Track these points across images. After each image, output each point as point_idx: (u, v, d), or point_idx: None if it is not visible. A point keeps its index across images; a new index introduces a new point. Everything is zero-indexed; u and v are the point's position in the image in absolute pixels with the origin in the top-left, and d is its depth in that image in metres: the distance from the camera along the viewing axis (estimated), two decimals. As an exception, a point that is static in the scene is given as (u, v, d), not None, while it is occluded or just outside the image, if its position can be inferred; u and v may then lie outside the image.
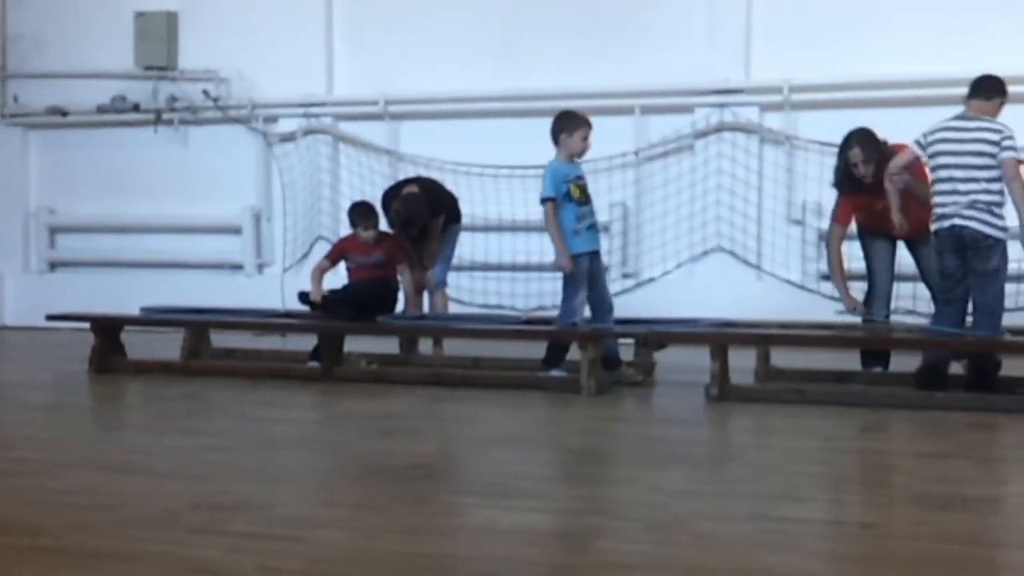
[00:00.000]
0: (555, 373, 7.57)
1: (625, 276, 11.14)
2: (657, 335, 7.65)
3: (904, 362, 7.25)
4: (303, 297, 8.58)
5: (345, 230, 9.51)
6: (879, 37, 10.62)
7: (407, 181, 9.35)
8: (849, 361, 7.92)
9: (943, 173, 6.90)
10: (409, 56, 11.94)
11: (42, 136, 13.40)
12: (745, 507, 4.19)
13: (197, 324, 8.96)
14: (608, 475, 5.14)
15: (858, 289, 8.00)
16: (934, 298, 7.45)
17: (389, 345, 8.96)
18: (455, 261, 9.41)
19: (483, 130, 11.55)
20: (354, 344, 8.55)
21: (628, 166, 11.34)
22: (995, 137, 6.80)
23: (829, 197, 8.78)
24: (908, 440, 6.04)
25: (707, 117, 11.12)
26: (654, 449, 5.62)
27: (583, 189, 7.64)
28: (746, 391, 7.16)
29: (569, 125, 7.57)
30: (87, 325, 8.63)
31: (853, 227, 7.86)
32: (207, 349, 9.06)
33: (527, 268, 11.32)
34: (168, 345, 9.07)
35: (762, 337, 7.84)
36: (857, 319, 7.84)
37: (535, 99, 11.33)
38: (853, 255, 8.05)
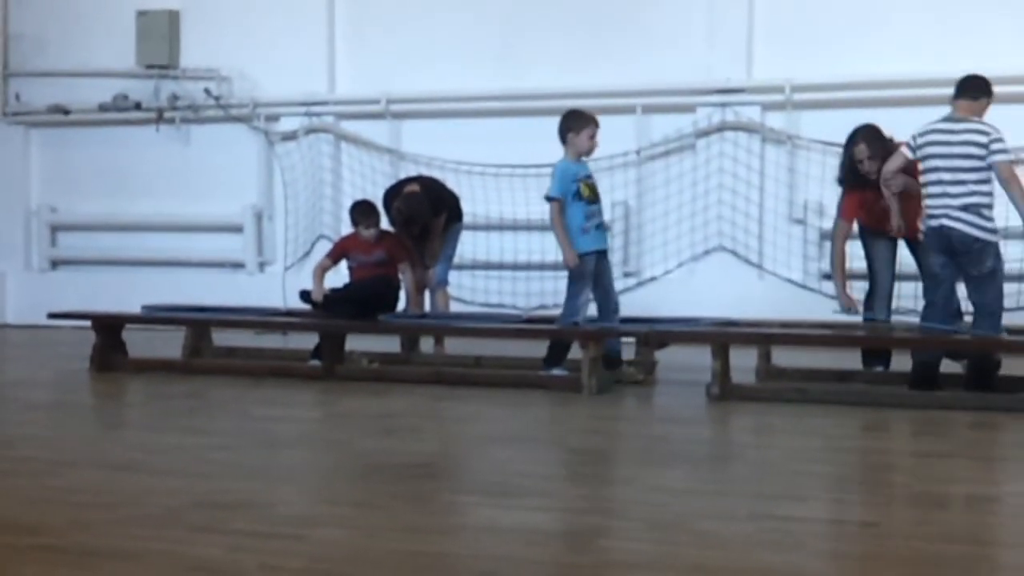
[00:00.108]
0: (556, 372, 7.57)
1: (626, 275, 11.14)
2: (658, 334, 7.65)
3: (905, 362, 7.24)
4: (304, 296, 8.58)
5: (347, 229, 9.52)
6: (880, 37, 10.63)
7: (408, 180, 9.36)
8: (850, 360, 7.92)
9: (932, 176, 6.90)
10: (410, 55, 11.94)
11: (44, 134, 13.41)
12: (746, 506, 4.19)
13: (199, 322, 8.97)
14: (609, 474, 5.14)
15: (859, 288, 8.00)
16: None
17: (390, 344, 8.96)
18: (456, 260, 9.41)
19: (484, 129, 11.56)
20: (355, 343, 8.56)
21: (630, 165, 11.35)
22: (983, 139, 6.79)
23: (830, 197, 8.80)
24: (909, 439, 6.05)
25: (709, 116, 11.13)
26: (655, 448, 5.63)
27: (592, 188, 7.64)
28: (747, 390, 7.16)
29: (576, 124, 7.58)
30: (88, 323, 8.63)
31: (855, 227, 7.87)
32: (208, 347, 9.07)
33: (528, 267, 11.33)
34: (169, 343, 9.07)
35: (763, 336, 7.84)
36: (858, 319, 7.84)
37: (536, 98, 11.35)
38: (854, 254, 8.04)
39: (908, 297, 9.00)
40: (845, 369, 7.73)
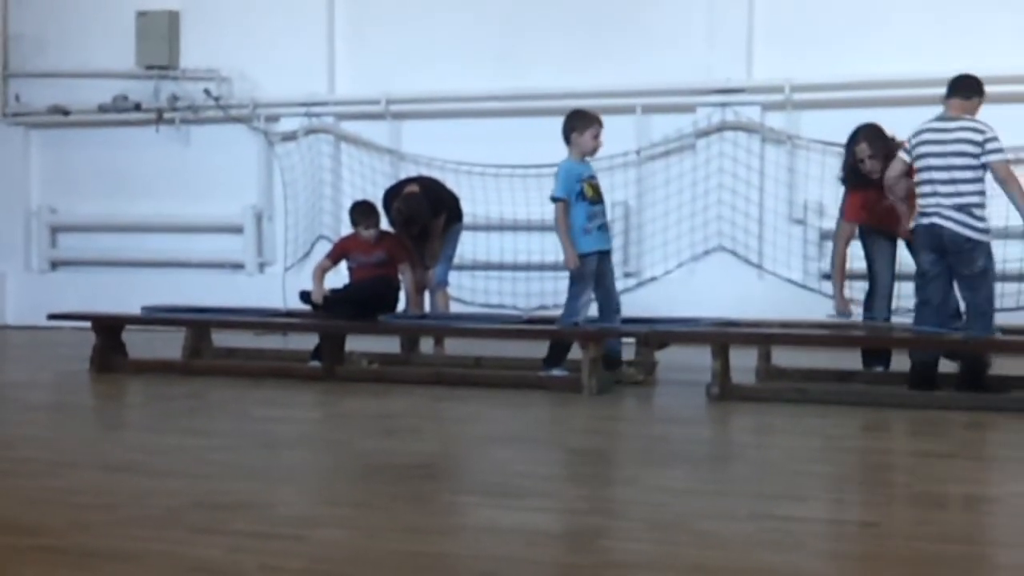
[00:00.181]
0: (556, 372, 7.57)
1: (627, 275, 11.13)
2: (658, 334, 7.65)
3: (905, 362, 7.23)
4: (304, 296, 8.58)
5: (347, 229, 9.52)
6: (880, 36, 10.63)
7: (408, 180, 9.36)
8: (850, 360, 7.92)
9: (924, 175, 6.91)
10: (410, 56, 11.94)
11: (44, 135, 13.41)
12: (746, 506, 4.19)
13: (198, 323, 8.97)
14: (609, 474, 5.14)
15: (860, 288, 8.00)
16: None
17: (390, 344, 8.96)
18: (456, 260, 9.41)
19: (484, 129, 11.57)
20: (355, 343, 8.56)
21: (630, 165, 11.35)
22: (978, 138, 6.78)
23: (830, 196, 8.81)
24: (909, 439, 6.05)
25: (709, 116, 11.13)
26: (655, 448, 5.63)
27: (596, 188, 7.63)
28: (747, 390, 7.16)
29: (580, 124, 7.57)
30: (88, 324, 8.63)
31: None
32: (208, 348, 9.07)
33: (528, 267, 11.33)
34: (169, 344, 9.07)
35: (763, 336, 7.84)
36: (857, 319, 7.84)
37: (536, 98, 11.36)
38: (855, 254, 8.04)
39: (908, 297, 8.97)
40: (845, 369, 7.73)
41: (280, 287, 11.34)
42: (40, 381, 8.42)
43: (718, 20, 11.15)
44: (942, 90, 7.14)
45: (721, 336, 7.29)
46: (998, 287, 9.81)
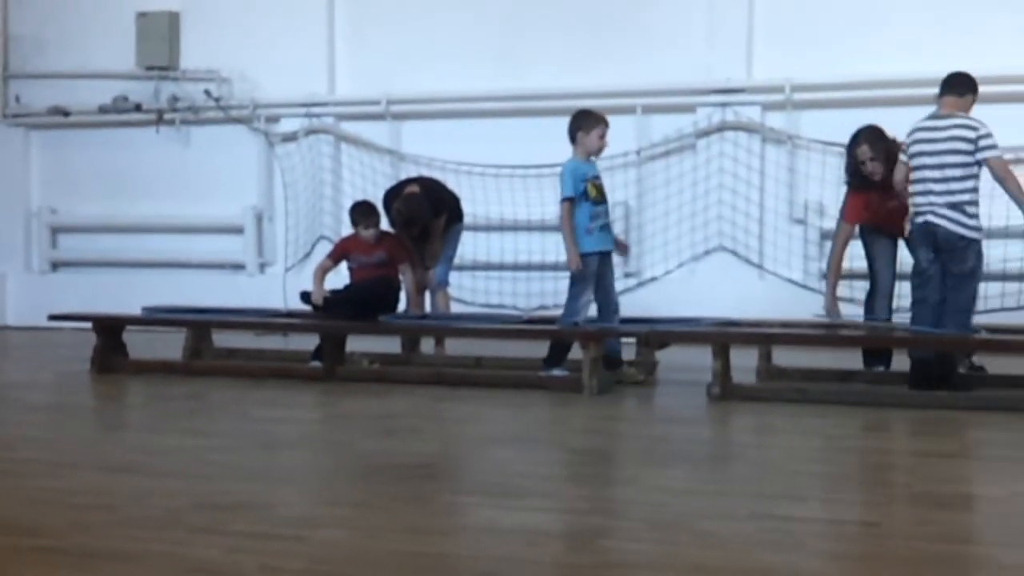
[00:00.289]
0: (557, 372, 7.57)
1: (627, 275, 11.13)
2: (659, 334, 7.65)
3: (906, 361, 7.23)
4: (305, 297, 8.59)
5: (347, 230, 9.52)
6: (880, 36, 10.63)
7: (409, 181, 9.36)
8: (851, 360, 7.92)
9: (918, 174, 6.91)
10: (410, 56, 11.95)
11: (44, 136, 13.41)
12: (747, 506, 4.19)
13: (199, 324, 8.97)
14: (610, 474, 5.14)
15: (860, 288, 8.00)
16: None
17: (391, 345, 8.96)
18: (457, 261, 9.41)
19: (485, 130, 11.57)
20: (356, 344, 8.56)
21: (630, 165, 11.35)
22: (971, 135, 6.78)
23: (831, 196, 8.81)
24: (910, 439, 6.05)
25: (709, 116, 11.13)
26: (656, 448, 5.62)
27: (600, 189, 7.63)
28: (748, 390, 7.15)
29: (586, 123, 7.57)
30: (89, 325, 8.64)
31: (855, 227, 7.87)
32: (209, 349, 9.07)
33: (529, 267, 11.33)
34: (170, 345, 9.08)
35: (764, 336, 7.84)
36: (854, 320, 7.84)
37: (536, 99, 11.37)
38: (855, 254, 8.05)
39: (909, 296, 8.99)
40: (846, 369, 7.73)
41: (280, 288, 11.35)
42: (40, 382, 8.42)
43: (718, 20, 11.15)
44: (942, 90, 7.14)
45: (722, 336, 7.29)
46: (999, 287, 9.90)
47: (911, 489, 4.71)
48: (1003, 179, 6.78)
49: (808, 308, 9.59)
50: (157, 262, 12.89)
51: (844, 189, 7.85)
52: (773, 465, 5.09)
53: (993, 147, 6.76)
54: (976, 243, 6.87)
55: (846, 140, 7.69)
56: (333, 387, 7.69)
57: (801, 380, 7.56)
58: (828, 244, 8.79)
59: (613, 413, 6.74)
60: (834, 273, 7.80)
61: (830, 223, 8.94)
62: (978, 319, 8.75)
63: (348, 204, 9.58)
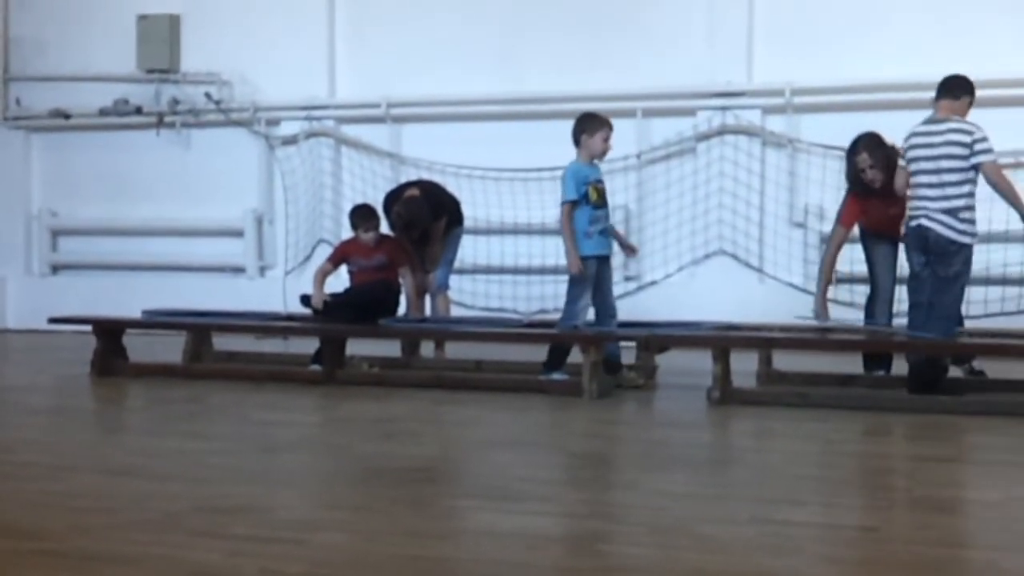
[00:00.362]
0: (556, 376, 7.57)
1: (627, 279, 11.14)
2: (659, 338, 7.65)
3: (906, 366, 7.24)
4: (305, 300, 8.58)
5: (347, 233, 9.52)
6: (880, 40, 10.64)
7: (408, 184, 9.36)
8: (851, 364, 7.92)
9: (915, 179, 6.92)
10: (411, 59, 11.96)
11: (44, 139, 13.42)
12: (747, 511, 4.19)
13: (199, 327, 8.97)
14: (610, 478, 5.14)
15: (860, 292, 7.99)
16: None
17: (391, 348, 8.96)
18: (457, 264, 9.41)
19: (485, 133, 11.58)
20: (356, 347, 8.55)
21: (630, 169, 11.35)
22: (966, 139, 6.77)
23: (831, 200, 8.80)
24: (910, 444, 6.04)
25: (709, 120, 11.13)
26: (656, 452, 5.62)
27: (601, 193, 7.62)
28: (748, 394, 7.15)
29: (590, 126, 7.56)
30: (89, 328, 8.63)
31: (854, 230, 7.87)
32: (209, 352, 9.08)
33: (529, 271, 11.33)
34: (170, 348, 9.07)
35: (764, 340, 7.83)
36: (853, 323, 7.84)
37: (536, 102, 11.39)
38: (855, 258, 8.05)
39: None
40: (846, 373, 7.73)
41: (281, 291, 11.35)
42: (40, 385, 8.42)
43: (718, 23, 11.15)
44: (942, 94, 7.14)
45: (722, 340, 7.29)
46: (999, 291, 9.91)
47: (911, 493, 4.71)
48: (996, 184, 6.79)
49: (808, 312, 9.60)
50: (157, 265, 12.89)
51: (844, 193, 7.85)
52: (773, 469, 5.09)
53: (988, 152, 6.76)
54: (966, 248, 6.86)
55: (846, 144, 7.70)
56: (333, 390, 7.69)
57: (801, 384, 7.56)
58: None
59: (613, 417, 6.73)
60: (825, 276, 7.80)
61: (830, 226, 8.92)
62: (976, 323, 8.79)
63: (348, 207, 9.58)
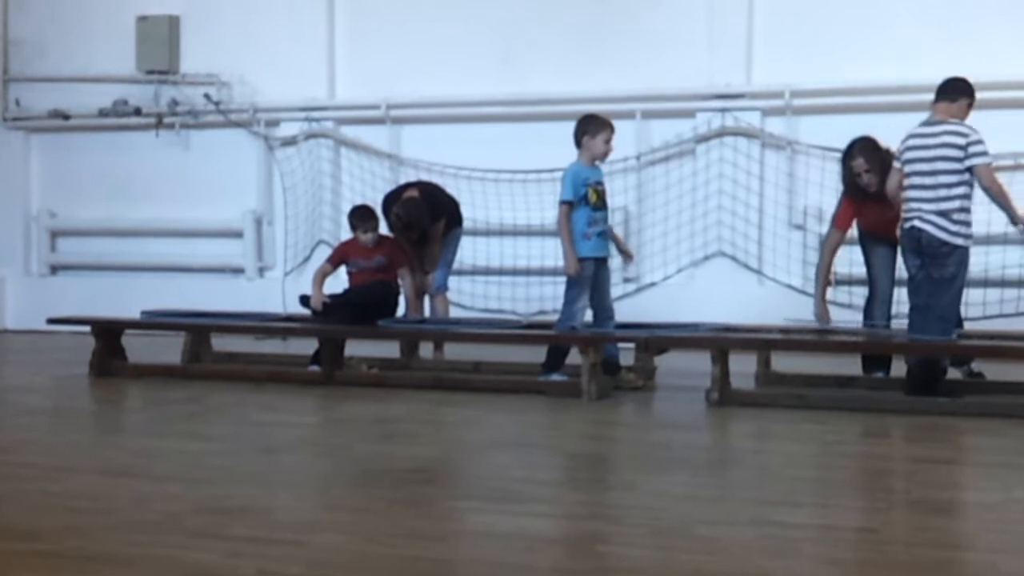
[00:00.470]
0: (555, 377, 7.57)
1: (626, 280, 11.13)
2: (658, 340, 7.64)
3: (905, 367, 7.24)
4: (304, 301, 8.58)
5: (346, 234, 9.51)
6: (880, 42, 10.63)
7: (408, 185, 9.36)
8: (850, 366, 7.92)
9: (910, 180, 6.92)
10: (411, 60, 11.95)
11: (44, 140, 13.41)
12: (746, 512, 4.19)
13: (198, 328, 8.97)
14: (609, 480, 5.14)
15: (859, 294, 7.99)
16: None
17: (390, 349, 8.96)
18: (456, 265, 9.42)
19: (484, 134, 11.57)
20: (355, 348, 8.56)
21: (630, 170, 11.34)
22: (961, 141, 6.78)
23: (830, 202, 8.78)
24: (908, 445, 6.05)
25: (708, 122, 11.12)
26: (655, 454, 5.62)
27: (601, 195, 7.61)
28: (747, 396, 7.16)
29: (592, 128, 7.56)
30: (88, 329, 8.63)
31: (853, 232, 7.87)
32: (208, 353, 9.08)
33: (528, 272, 11.33)
34: (169, 349, 9.07)
35: (763, 342, 7.83)
36: (852, 325, 7.84)
37: (536, 104, 11.38)
38: (854, 260, 8.05)
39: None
40: (845, 375, 7.73)
41: (280, 291, 11.35)
42: (39, 385, 8.41)
43: (718, 25, 11.15)
44: (942, 96, 7.14)
45: (720, 341, 7.29)
46: (998, 292, 9.91)
47: (909, 495, 4.71)
48: (988, 187, 6.80)
49: (808, 314, 9.57)
50: (156, 266, 12.88)
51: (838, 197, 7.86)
52: (772, 471, 5.10)
53: (982, 154, 6.77)
54: (960, 250, 6.86)
55: (845, 146, 7.69)
56: (332, 391, 7.69)
57: (800, 386, 7.56)
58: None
59: (612, 418, 6.73)
60: (823, 279, 7.81)
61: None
62: (975, 325, 8.80)
63: (347, 208, 9.57)
